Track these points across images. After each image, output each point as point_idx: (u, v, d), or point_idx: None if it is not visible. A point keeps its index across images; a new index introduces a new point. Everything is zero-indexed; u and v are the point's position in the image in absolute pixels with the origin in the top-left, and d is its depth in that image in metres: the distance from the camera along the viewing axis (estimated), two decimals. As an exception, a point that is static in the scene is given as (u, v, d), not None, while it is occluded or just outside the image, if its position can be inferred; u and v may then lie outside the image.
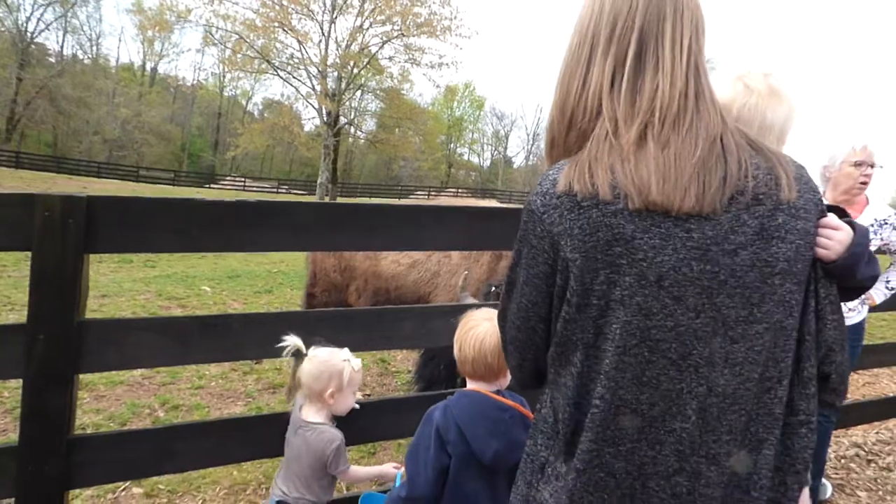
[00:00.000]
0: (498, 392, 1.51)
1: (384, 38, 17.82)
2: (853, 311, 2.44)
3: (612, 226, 0.79)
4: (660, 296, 0.79)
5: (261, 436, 1.87)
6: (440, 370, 3.16)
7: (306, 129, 23.09)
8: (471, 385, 1.53)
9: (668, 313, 0.79)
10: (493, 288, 2.79)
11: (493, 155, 65.44)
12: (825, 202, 2.47)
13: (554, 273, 0.85)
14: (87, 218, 1.56)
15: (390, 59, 18.67)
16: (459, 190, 42.39)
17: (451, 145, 56.95)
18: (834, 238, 0.92)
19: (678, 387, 0.81)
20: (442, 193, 40.47)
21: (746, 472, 0.84)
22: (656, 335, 0.80)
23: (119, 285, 7.26)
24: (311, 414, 1.77)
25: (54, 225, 1.52)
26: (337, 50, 18.36)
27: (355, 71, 18.29)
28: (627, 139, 0.82)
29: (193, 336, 1.77)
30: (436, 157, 46.70)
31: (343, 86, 18.41)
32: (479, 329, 1.50)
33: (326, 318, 1.96)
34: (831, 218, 0.95)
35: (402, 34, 17.46)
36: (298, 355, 1.76)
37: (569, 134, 0.90)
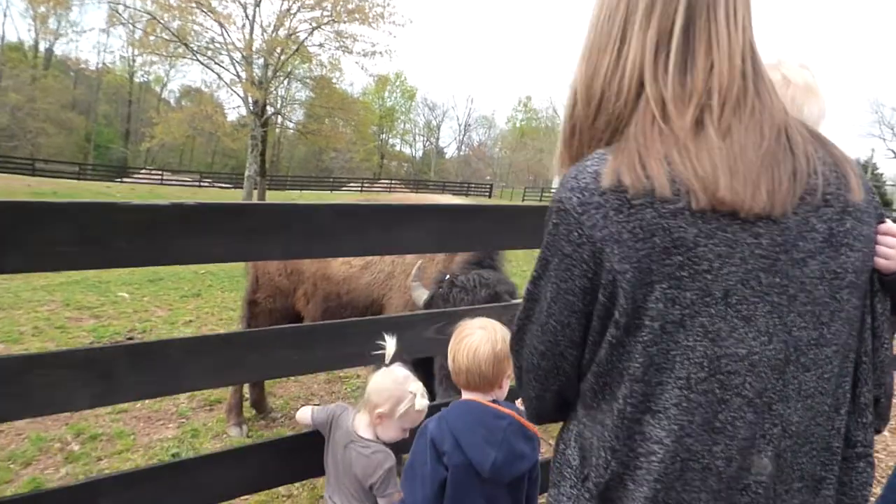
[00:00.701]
0: (494, 402, 1.45)
1: (314, 24, 16.98)
2: None
3: (671, 229, 0.65)
4: (728, 315, 0.66)
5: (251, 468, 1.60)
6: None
7: (230, 118, 21.80)
8: (466, 396, 1.48)
9: (739, 338, 0.67)
10: (447, 276, 2.60)
11: (425, 146, 65.36)
12: None
13: (595, 288, 0.69)
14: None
15: (320, 46, 17.87)
16: (393, 181, 41.91)
17: (383, 136, 56.18)
18: (891, 243, 0.81)
19: (754, 432, 0.68)
20: (375, 185, 39.82)
21: None
22: (727, 366, 0.66)
23: (16, 295, 6.42)
24: (362, 427, 1.64)
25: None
26: (262, 35, 17.37)
27: (283, 58, 17.35)
28: (681, 124, 0.68)
29: (120, 369, 1.45)
30: (368, 149, 45.82)
31: (270, 73, 17.42)
32: (473, 338, 1.44)
33: (284, 336, 1.69)
34: (890, 224, 0.84)
35: (333, 20, 16.71)
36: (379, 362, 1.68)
37: (597, 119, 0.75)
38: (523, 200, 37.29)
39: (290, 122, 20.26)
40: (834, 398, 0.72)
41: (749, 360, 0.67)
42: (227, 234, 1.49)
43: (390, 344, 1.63)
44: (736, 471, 0.67)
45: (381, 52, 17.70)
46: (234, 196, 22.79)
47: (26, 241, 1.25)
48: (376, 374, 1.65)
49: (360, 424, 1.64)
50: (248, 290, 3.44)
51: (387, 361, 1.65)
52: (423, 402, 1.59)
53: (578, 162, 0.73)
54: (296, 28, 17.14)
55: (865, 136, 38.56)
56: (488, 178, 59.17)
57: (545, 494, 1.51)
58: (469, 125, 64.53)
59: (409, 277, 2.92)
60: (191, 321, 5.89)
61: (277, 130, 21.27)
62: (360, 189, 36.96)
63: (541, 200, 37.81)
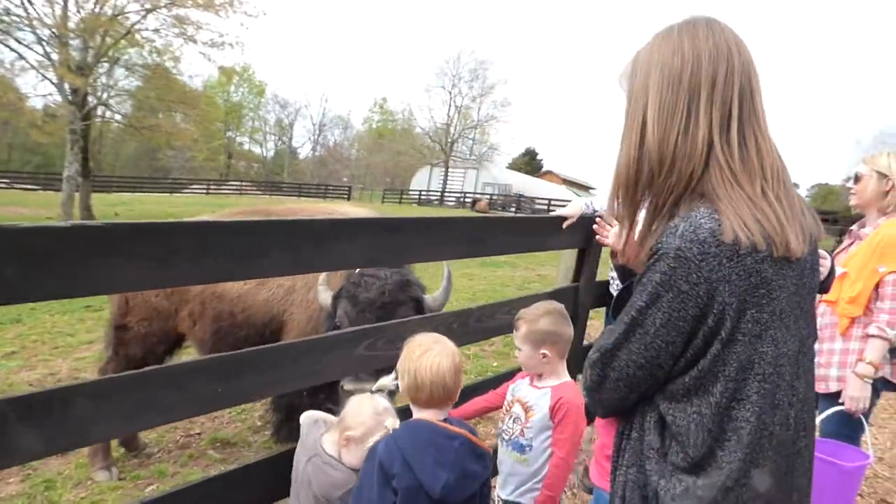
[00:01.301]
0: (445, 420, 1.44)
1: (148, 7, 15.07)
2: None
3: (760, 271, 0.89)
4: (781, 327, 0.92)
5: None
6: (301, 396, 2.80)
7: (39, 106, 18.58)
8: (417, 414, 1.47)
9: (785, 341, 0.93)
10: (357, 270, 2.53)
11: (277, 145, 62.07)
12: None
13: (704, 316, 0.89)
14: None
15: (156, 31, 15.94)
16: (244, 183, 39.17)
17: (230, 134, 52.23)
18: (825, 264, 1.20)
19: (789, 402, 0.94)
20: (223, 187, 36.88)
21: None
22: (781, 362, 0.92)
23: None
24: (329, 444, 1.62)
25: None
26: (78, 12, 14.94)
27: (107, 41, 15.13)
28: (753, 192, 0.91)
29: (10, 426, 1.20)
30: (212, 147, 42.21)
31: (91, 58, 15.07)
32: (433, 353, 1.44)
33: (206, 368, 1.52)
34: (822, 251, 1.20)
35: (172, 3, 14.99)
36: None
37: (669, 176, 0.95)
38: (383, 202, 37.35)
39: (120, 115, 17.74)
40: (814, 370, 1.05)
41: (788, 356, 0.93)
42: (147, 259, 1.31)
43: (383, 381, 1.67)
44: (784, 432, 0.93)
45: (230, 44, 16.36)
46: (50, 200, 19.50)
47: None
48: (356, 399, 1.64)
49: (328, 441, 1.62)
50: (114, 313, 2.99)
51: (373, 388, 1.69)
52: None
53: (687, 216, 0.91)
54: (123, 7, 15.05)
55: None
56: (345, 179, 58.34)
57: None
58: (324, 125, 62.78)
59: (311, 290, 2.78)
60: (14, 352, 4.95)
61: (99, 123, 18.39)
62: (205, 191, 33.92)
63: (400, 203, 38.20)
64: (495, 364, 4.93)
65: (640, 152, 0.98)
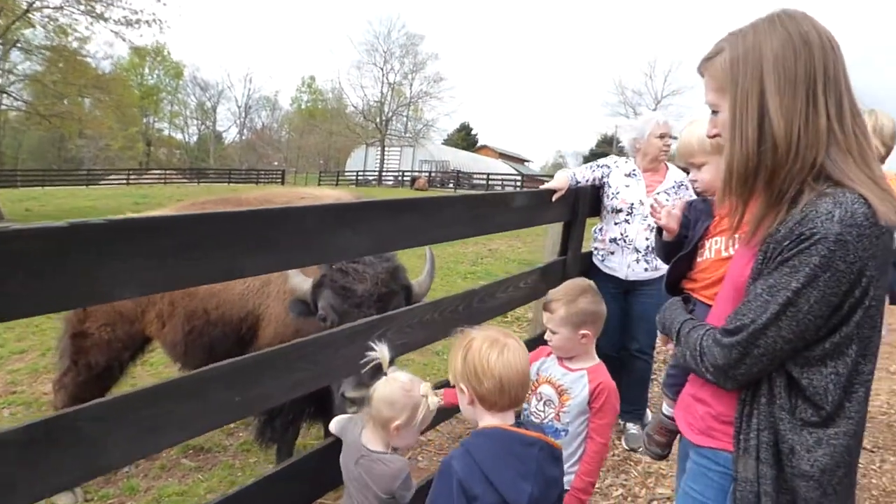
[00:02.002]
0: (518, 424, 1.32)
1: (47, -19, 13.56)
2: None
3: (889, 245, 0.99)
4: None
5: None
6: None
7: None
8: (488, 420, 1.30)
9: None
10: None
11: (200, 130, 58.61)
12: (638, 170, 2.85)
13: (853, 290, 0.96)
14: None
15: (59, 9, 14.37)
16: (167, 172, 36.79)
17: (147, 119, 48.80)
18: None
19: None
20: (145, 176, 34.51)
21: None
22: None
23: None
24: (371, 441, 1.54)
25: None
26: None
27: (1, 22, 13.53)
28: (874, 174, 0.99)
29: (10, 462, 1.04)
30: (129, 135, 39.29)
31: None
32: (511, 350, 1.30)
33: (220, 375, 1.38)
34: None
35: (74, -22, 13.58)
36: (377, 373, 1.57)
37: (794, 164, 1.00)
38: (319, 185, 36.30)
39: (23, 101, 16.04)
40: None
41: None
42: (155, 257, 1.16)
43: (382, 350, 1.55)
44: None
45: (146, 22, 15.07)
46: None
47: None
48: (380, 387, 1.51)
49: (369, 438, 1.54)
50: (70, 320, 2.69)
51: (385, 370, 1.56)
52: (435, 399, 1.50)
53: (836, 199, 0.95)
54: None
55: (613, 115, 46.11)
56: (276, 163, 56.18)
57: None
58: (250, 107, 59.83)
59: (288, 281, 2.62)
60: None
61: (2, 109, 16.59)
62: (125, 182, 31.54)
63: (337, 184, 37.27)
64: None
65: (761, 144, 1.01)
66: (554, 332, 1.73)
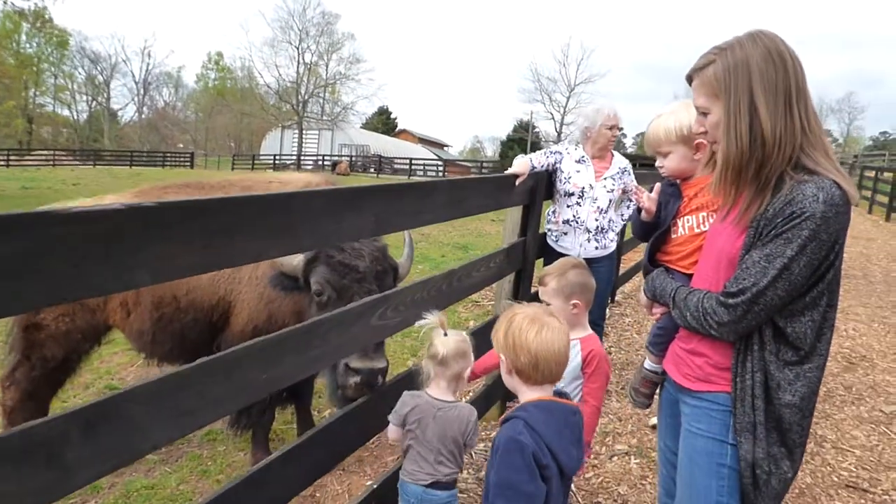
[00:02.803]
0: (556, 394, 1.43)
1: None
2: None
3: (849, 218, 1.23)
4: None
5: None
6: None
7: None
8: (527, 392, 1.40)
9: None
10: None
11: (91, 107, 53.26)
12: (587, 156, 3.13)
13: (829, 254, 1.21)
14: None
15: None
16: (56, 152, 33.28)
17: (27, 93, 43.65)
18: None
19: None
20: (28, 157, 31.02)
21: None
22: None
23: None
24: (442, 393, 1.70)
25: None
26: None
27: None
28: (837, 163, 1.25)
29: (72, 445, 1.06)
30: (4, 109, 35.02)
31: None
32: (550, 329, 1.39)
33: (251, 354, 1.43)
34: None
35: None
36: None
37: (777, 157, 1.23)
38: (233, 169, 34.51)
39: None
40: None
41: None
42: (194, 239, 1.19)
43: (436, 316, 1.72)
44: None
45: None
46: None
47: None
48: (449, 344, 1.66)
49: (439, 392, 1.69)
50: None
51: (445, 331, 1.71)
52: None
53: (817, 184, 1.18)
54: None
55: (530, 102, 47.39)
56: (181, 145, 52.57)
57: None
58: (149, 83, 55.17)
59: (259, 267, 2.60)
60: None
61: None
62: (5, 163, 28.18)
63: (253, 169, 35.62)
64: (464, 316, 5.04)
65: (752, 141, 1.22)
66: (548, 304, 1.91)
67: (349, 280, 2.23)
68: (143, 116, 55.53)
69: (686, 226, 1.63)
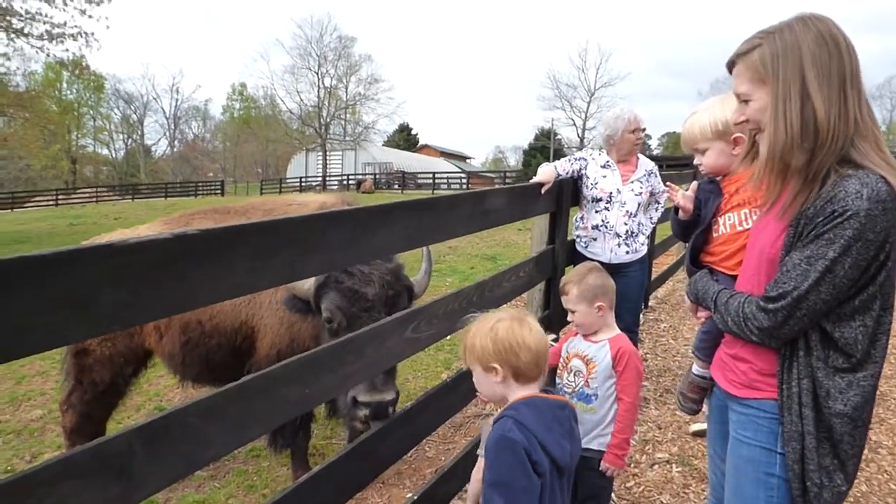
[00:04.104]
0: (544, 391, 1.43)
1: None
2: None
3: None
4: None
5: None
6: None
7: None
8: (519, 392, 1.40)
9: None
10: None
11: (127, 144, 55.64)
12: (612, 161, 3.11)
13: (878, 255, 1.14)
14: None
15: None
16: (98, 189, 34.81)
17: (70, 136, 45.87)
18: None
19: None
20: (74, 196, 32.52)
21: None
22: None
23: None
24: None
25: None
26: None
27: None
28: (889, 157, 1.17)
29: (137, 459, 1.13)
30: (51, 153, 36.88)
31: None
32: (529, 325, 1.40)
33: (286, 375, 1.49)
34: None
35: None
36: None
37: (828, 149, 1.16)
38: (262, 194, 35.38)
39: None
40: None
41: None
42: (237, 263, 1.27)
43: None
44: None
45: (72, 36, 14.20)
46: None
47: None
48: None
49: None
50: None
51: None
52: None
53: (861, 180, 1.11)
54: None
55: (550, 109, 47.29)
56: (211, 174, 54.20)
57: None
58: (179, 118, 57.40)
59: (279, 291, 2.60)
60: None
61: None
62: (54, 202, 29.62)
63: (280, 192, 36.44)
64: None
65: (804, 128, 1.16)
66: (573, 311, 1.94)
67: (357, 308, 2.23)
68: (174, 150, 57.69)
69: (727, 223, 1.59)
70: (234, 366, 2.73)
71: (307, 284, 2.32)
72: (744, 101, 1.28)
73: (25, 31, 13.52)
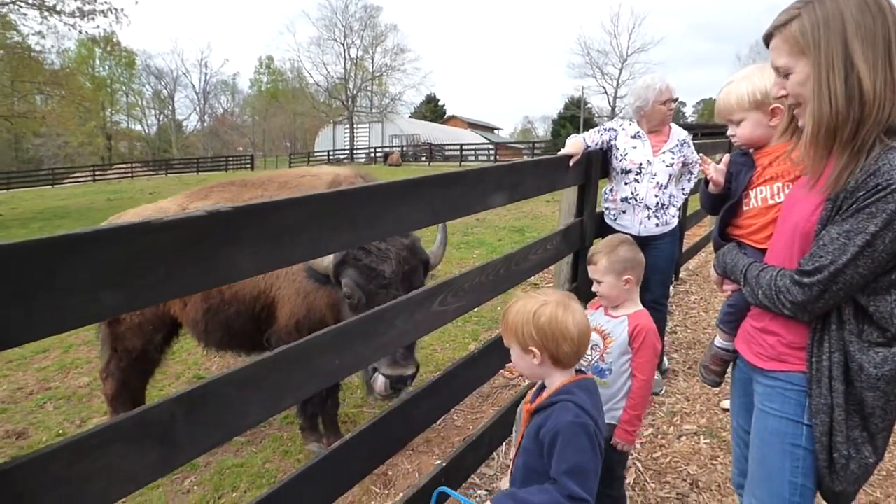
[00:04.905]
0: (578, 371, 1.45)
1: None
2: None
3: None
4: None
5: None
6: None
7: None
8: (558, 375, 1.39)
9: None
10: None
11: (159, 120, 56.67)
12: (642, 131, 3.01)
13: None
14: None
15: (7, 5, 13.58)
16: (134, 164, 35.72)
17: (104, 112, 46.93)
18: None
19: None
20: (110, 171, 33.48)
21: None
22: None
23: None
24: None
25: None
26: None
27: None
28: None
29: (178, 426, 1.19)
30: (87, 130, 37.81)
31: None
32: (573, 308, 1.37)
33: (322, 345, 1.53)
34: None
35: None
36: None
37: (875, 119, 1.11)
38: (290, 167, 35.70)
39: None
40: None
41: None
42: (261, 240, 1.29)
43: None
44: None
45: (102, 12, 14.42)
46: None
47: (37, 294, 0.92)
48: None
49: None
50: None
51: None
52: None
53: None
54: None
55: (581, 77, 46.20)
56: (241, 148, 54.89)
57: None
58: (208, 92, 58.00)
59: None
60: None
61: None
62: (92, 178, 30.60)
63: (308, 163, 36.73)
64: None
65: (849, 99, 1.12)
66: (599, 282, 1.92)
67: (375, 286, 2.27)
68: (204, 124, 58.46)
69: (759, 197, 1.54)
70: (253, 333, 2.80)
71: (326, 261, 2.35)
72: (783, 74, 1.24)
73: (58, 8, 13.85)
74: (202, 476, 2.85)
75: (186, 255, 1.14)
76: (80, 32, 15.11)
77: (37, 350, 4.51)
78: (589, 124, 40.50)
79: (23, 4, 13.78)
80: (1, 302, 0.87)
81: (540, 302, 1.38)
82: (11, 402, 3.71)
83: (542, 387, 1.46)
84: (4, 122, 15.48)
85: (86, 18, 14.30)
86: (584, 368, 1.92)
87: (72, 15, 14.15)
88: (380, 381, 2.21)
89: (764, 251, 1.46)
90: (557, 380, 1.39)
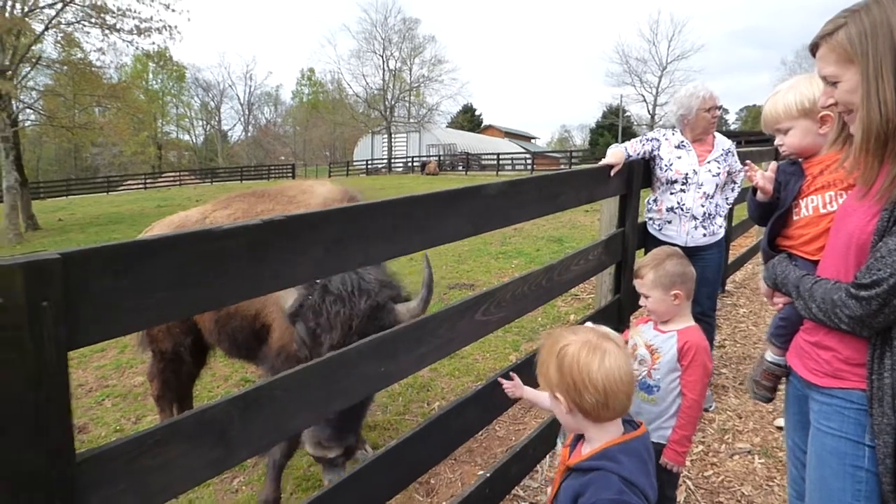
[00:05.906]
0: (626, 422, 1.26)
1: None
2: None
3: None
4: None
5: None
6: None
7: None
8: (607, 432, 1.20)
9: None
10: (318, 280, 2.15)
11: (206, 130, 58.96)
12: (686, 140, 2.95)
13: None
14: (65, 289, 0.90)
15: (73, 25, 14.51)
16: (182, 173, 37.24)
17: (156, 123, 49.15)
18: None
19: None
20: (160, 179, 34.99)
21: None
22: None
23: None
24: None
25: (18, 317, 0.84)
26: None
27: (23, 40, 13.73)
28: None
29: (234, 425, 1.24)
30: (140, 140, 39.69)
31: (10, 59, 13.64)
32: (610, 355, 1.17)
33: (367, 352, 1.57)
34: None
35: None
36: None
37: None
38: (330, 177, 36.47)
39: (45, 115, 16.33)
40: None
41: None
42: (315, 246, 1.34)
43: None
44: None
45: (157, 30, 15.18)
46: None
47: (112, 297, 0.97)
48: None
49: None
50: (143, 338, 2.95)
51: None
52: None
53: None
54: (37, 1, 13.69)
55: (619, 85, 45.70)
56: (283, 158, 56.37)
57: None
58: (252, 104, 60.03)
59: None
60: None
61: (28, 127, 16.93)
62: (143, 186, 32.08)
63: (347, 175, 37.43)
64: (564, 310, 5.02)
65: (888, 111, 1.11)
66: (647, 297, 1.87)
67: (313, 346, 2.12)
68: (248, 135, 60.41)
69: (810, 206, 1.50)
70: (253, 347, 2.77)
71: (286, 305, 2.18)
72: (832, 83, 1.22)
73: (117, 26, 14.67)
74: (250, 476, 2.92)
75: (242, 261, 1.19)
76: (137, 49, 15.94)
77: (95, 349, 4.74)
78: (627, 133, 39.85)
79: (86, 24, 14.70)
80: (89, 301, 0.93)
81: (566, 340, 1.21)
82: (73, 398, 3.91)
83: None
84: (66, 132, 16.43)
85: (143, 35, 15.10)
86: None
87: (130, 32, 14.97)
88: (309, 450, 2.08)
89: (815, 263, 1.41)
90: (597, 436, 1.20)
